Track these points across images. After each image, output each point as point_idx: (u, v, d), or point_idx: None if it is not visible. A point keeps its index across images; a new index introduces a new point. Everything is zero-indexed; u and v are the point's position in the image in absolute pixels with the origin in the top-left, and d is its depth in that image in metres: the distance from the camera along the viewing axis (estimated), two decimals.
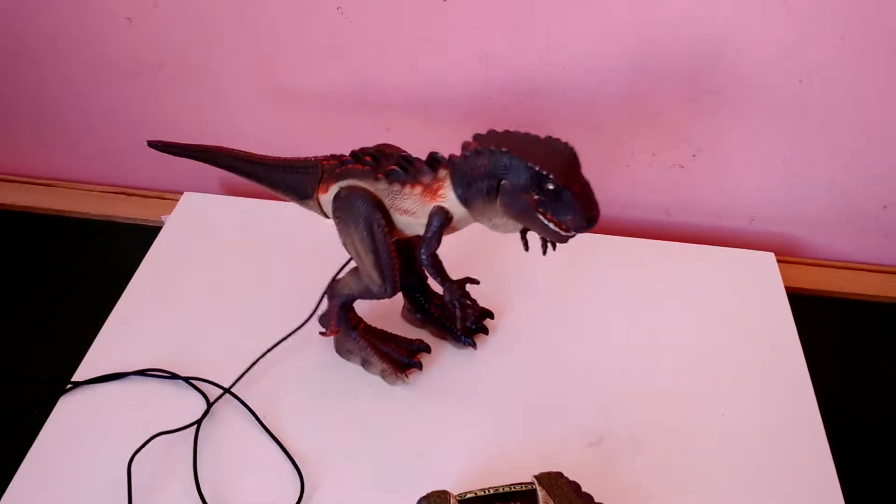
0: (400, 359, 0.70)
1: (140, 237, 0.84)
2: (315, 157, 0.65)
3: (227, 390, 0.68)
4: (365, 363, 0.70)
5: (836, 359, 0.78)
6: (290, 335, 0.72)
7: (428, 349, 0.72)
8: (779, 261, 0.84)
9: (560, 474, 0.57)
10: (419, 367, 0.70)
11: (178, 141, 0.68)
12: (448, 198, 0.58)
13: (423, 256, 0.60)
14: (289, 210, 0.86)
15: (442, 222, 0.59)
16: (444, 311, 0.74)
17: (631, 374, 0.72)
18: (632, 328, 0.76)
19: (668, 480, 0.63)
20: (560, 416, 0.68)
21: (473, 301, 0.63)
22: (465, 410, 0.68)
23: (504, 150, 0.53)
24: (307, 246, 0.83)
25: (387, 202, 0.61)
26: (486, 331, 0.74)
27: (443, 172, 0.58)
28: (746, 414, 0.69)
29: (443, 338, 0.74)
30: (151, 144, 0.68)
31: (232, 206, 0.88)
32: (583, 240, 0.80)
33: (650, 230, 0.91)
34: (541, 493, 0.55)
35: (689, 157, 0.87)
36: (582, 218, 0.52)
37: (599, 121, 0.84)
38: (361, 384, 0.69)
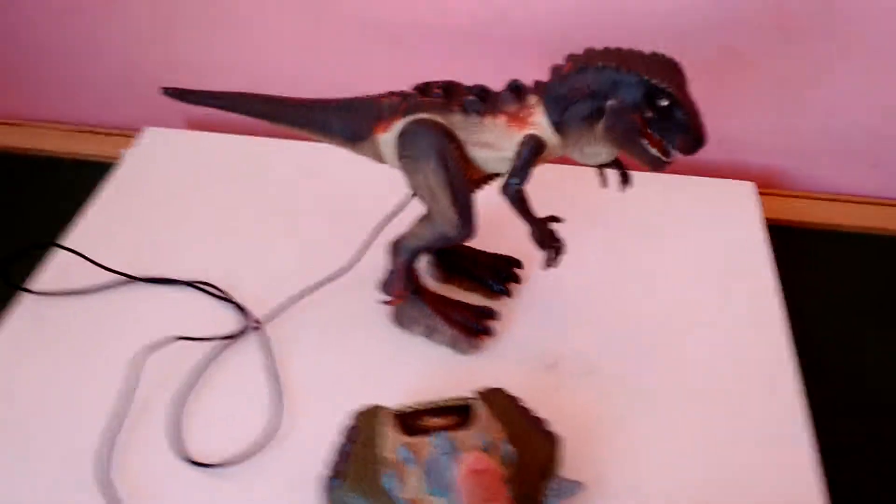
0: (469, 324, 0.64)
1: (103, 174, 0.82)
2: (368, 96, 0.60)
3: (255, 326, 0.66)
4: (430, 331, 0.64)
5: (818, 290, 0.75)
6: (327, 281, 0.68)
7: (496, 315, 0.66)
8: (761, 192, 0.81)
9: (500, 389, 0.56)
10: (492, 333, 0.65)
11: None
12: (541, 125, 0.54)
13: (513, 189, 0.55)
14: (258, 145, 0.85)
15: (536, 151, 0.54)
16: (475, 263, 0.69)
17: (610, 302, 0.70)
18: (606, 256, 0.74)
19: (622, 402, 0.61)
20: (518, 342, 0.66)
21: (561, 239, 0.59)
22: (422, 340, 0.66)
23: (614, 65, 0.49)
24: (282, 178, 0.81)
25: (461, 136, 0.56)
26: (517, 279, 0.70)
27: (533, 98, 0.54)
28: (715, 345, 0.66)
29: (472, 290, 0.69)
30: (166, 92, 0.64)
31: (197, 140, 0.86)
32: (561, 171, 0.78)
33: (630, 162, 0.88)
34: (478, 406, 0.53)
35: None
36: (692, 138, 0.49)
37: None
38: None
